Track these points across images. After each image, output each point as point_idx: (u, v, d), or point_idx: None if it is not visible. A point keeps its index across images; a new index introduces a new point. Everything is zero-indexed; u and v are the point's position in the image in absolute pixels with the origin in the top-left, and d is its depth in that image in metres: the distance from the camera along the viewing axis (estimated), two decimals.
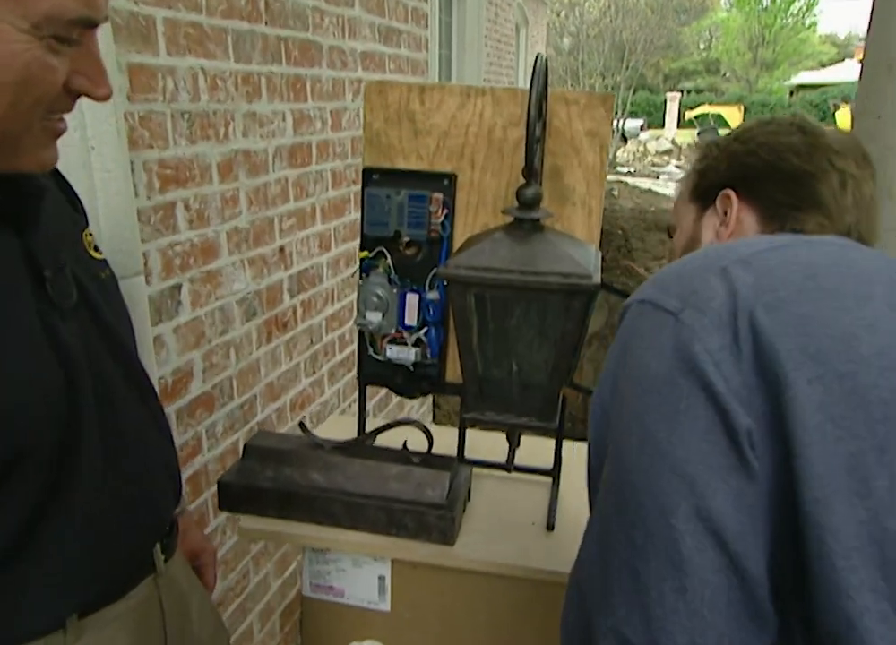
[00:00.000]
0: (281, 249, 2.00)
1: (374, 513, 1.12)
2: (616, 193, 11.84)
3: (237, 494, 1.17)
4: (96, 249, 0.89)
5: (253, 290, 1.90)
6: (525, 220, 0.99)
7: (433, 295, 1.23)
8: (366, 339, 1.27)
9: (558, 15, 18.74)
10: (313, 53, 1.92)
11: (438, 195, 1.19)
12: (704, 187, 0.91)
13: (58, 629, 0.75)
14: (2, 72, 0.58)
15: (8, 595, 0.71)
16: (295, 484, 1.15)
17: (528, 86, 0.99)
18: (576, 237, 1.10)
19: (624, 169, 15.71)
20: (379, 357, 1.27)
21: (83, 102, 0.68)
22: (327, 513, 1.14)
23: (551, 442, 1.28)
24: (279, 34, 1.66)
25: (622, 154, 17.59)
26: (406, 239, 1.21)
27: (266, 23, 1.59)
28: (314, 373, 2.26)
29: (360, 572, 1.17)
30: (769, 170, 0.85)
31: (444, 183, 1.19)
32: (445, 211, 1.20)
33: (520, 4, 9.37)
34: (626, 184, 13.00)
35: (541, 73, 0.98)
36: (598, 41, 17.59)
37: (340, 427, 1.42)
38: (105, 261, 0.89)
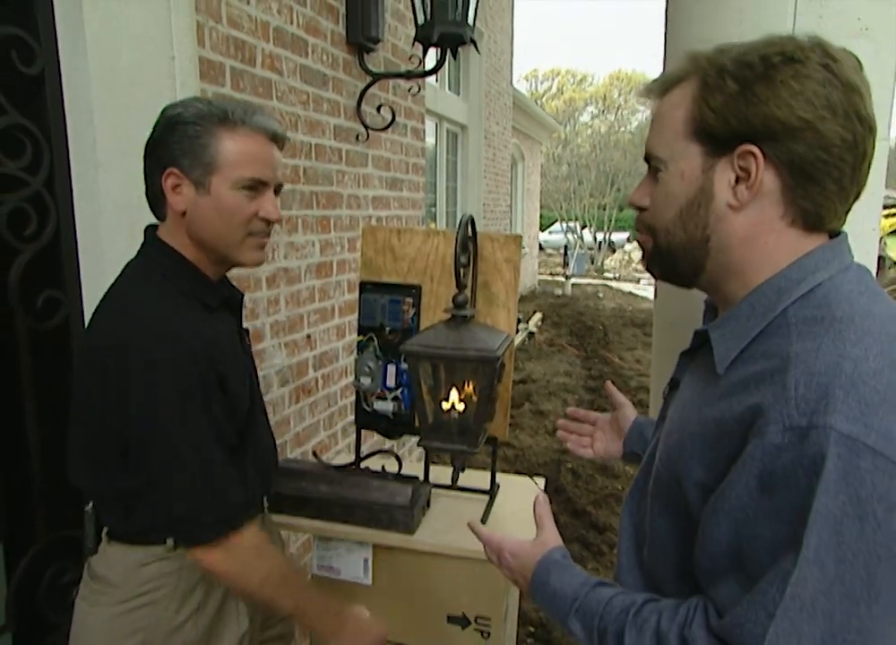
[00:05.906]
0: (308, 336, 2.34)
1: (360, 512, 1.46)
2: (601, 295, 12.29)
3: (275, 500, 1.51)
4: None
5: (287, 365, 2.22)
6: (457, 316, 1.39)
7: (405, 365, 1.61)
8: (361, 396, 1.65)
9: (556, 149, 19.86)
10: (335, 200, 2.35)
11: (409, 300, 1.59)
12: (719, 131, 0.67)
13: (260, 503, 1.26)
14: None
15: (238, 469, 1.11)
16: (308, 491, 1.50)
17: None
18: (494, 328, 1.49)
19: (611, 275, 16.24)
20: (369, 409, 1.64)
21: None
22: (329, 512, 1.48)
23: (488, 473, 1.63)
24: (312, 190, 2.11)
25: (609, 262, 18.00)
26: (388, 328, 1.61)
27: (303, 183, 2.05)
28: (331, 428, 2.54)
29: (351, 556, 1.50)
30: (802, 131, 0.64)
31: (413, 292, 1.59)
32: (413, 310, 1.60)
33: (516, 143, 10.16)
34: (611, 287, 13.49)
35: (465, 225, 1.41)
36: (587, 170, 18.58)
37: (341, 457, 1.78)
38: None
